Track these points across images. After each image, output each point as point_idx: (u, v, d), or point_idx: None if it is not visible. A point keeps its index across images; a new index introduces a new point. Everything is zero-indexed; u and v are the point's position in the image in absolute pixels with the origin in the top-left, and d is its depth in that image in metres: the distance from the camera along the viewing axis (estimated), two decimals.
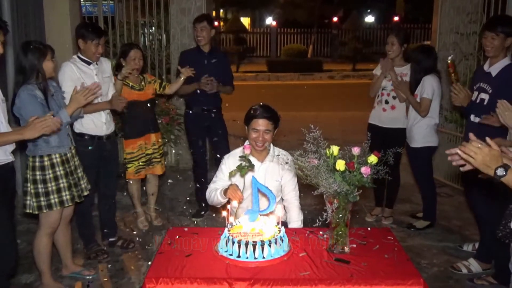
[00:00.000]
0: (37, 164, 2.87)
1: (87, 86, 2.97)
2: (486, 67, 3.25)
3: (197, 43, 4.24)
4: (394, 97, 4.03)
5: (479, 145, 1.67)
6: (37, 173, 2.87)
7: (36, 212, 2.91)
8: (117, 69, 3.79)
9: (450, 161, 1.80)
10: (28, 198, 2.88)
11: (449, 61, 3.39)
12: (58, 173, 2.92)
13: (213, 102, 4.28)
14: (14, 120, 2.89)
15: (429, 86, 3.80)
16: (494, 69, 3.17)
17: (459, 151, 1.71)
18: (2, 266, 2.65)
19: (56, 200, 2.91)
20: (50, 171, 2.89)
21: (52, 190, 2.89)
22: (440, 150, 4.43)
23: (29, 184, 2.87)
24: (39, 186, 2.87)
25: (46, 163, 2.88)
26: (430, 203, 4.12)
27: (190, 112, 4.31)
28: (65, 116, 2.83)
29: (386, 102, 4.06)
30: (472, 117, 3.25)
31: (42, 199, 2.88)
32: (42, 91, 2.82)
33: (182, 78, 3.96)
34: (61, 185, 2.93)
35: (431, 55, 3.94)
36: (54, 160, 2.91)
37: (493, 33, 3.10)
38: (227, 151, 3.14)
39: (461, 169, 1.75)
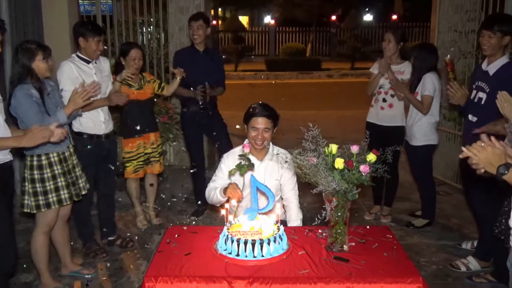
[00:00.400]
0: (35, 163, 2.86)
1: (85, 86, 2.96)
2: (484, 66, 3.24)
3: (192, 41, 4.24)
4: (392, 95, 4.02)
5: (483, 144, 1.70)
6: (35, 172, 2.86)
7: (35, 211, 2.90)
8: (116, 68, 3.78)
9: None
10: (26, 197, 2.88)
11: (447, 60, 3.39)
12: (56, 171, 2.92)
13: (209, 100, 4.26)
14: (12, 120, 2.89)
15: (430, 84, 3.79)
16: (491, 68, 3.16)
17: (464, 149, 1.74)
18: (1, 265, 2.65)
19: (55, 199, 2.91)
20: (48, 170, 2.88)
21: (50, 189, 2.89)
22: (439, 149, 4.43)
23: (27, 183, 2.87)
24: (37, 185, 2.86)
25: (44, 162, 2.88)
26: (429, 201, 4.12)
27: (186, 111, 4.30)
28: (62, 117, 2.82)
29: (384, 100, 4.06)
30: (470, 116, 3.25)
31: (40, 198, 2.87)
32: (37, 90, 2.82)
33: (178, 79, 3.95)
34: (59, 184, 2.93)
35: (434, 53, 3.93)
36: (52, 159, 2.90)
37: (490, 32, 3.09)
38: (230, 146, 3.11)
39: (478, 172, 1.78)
